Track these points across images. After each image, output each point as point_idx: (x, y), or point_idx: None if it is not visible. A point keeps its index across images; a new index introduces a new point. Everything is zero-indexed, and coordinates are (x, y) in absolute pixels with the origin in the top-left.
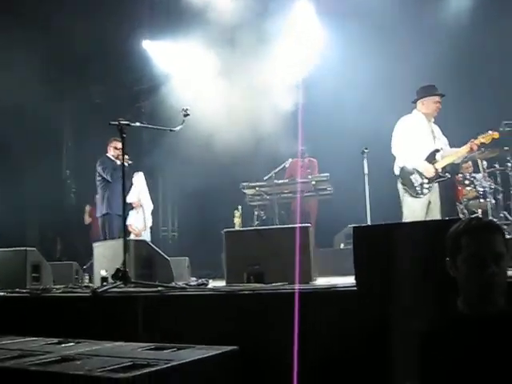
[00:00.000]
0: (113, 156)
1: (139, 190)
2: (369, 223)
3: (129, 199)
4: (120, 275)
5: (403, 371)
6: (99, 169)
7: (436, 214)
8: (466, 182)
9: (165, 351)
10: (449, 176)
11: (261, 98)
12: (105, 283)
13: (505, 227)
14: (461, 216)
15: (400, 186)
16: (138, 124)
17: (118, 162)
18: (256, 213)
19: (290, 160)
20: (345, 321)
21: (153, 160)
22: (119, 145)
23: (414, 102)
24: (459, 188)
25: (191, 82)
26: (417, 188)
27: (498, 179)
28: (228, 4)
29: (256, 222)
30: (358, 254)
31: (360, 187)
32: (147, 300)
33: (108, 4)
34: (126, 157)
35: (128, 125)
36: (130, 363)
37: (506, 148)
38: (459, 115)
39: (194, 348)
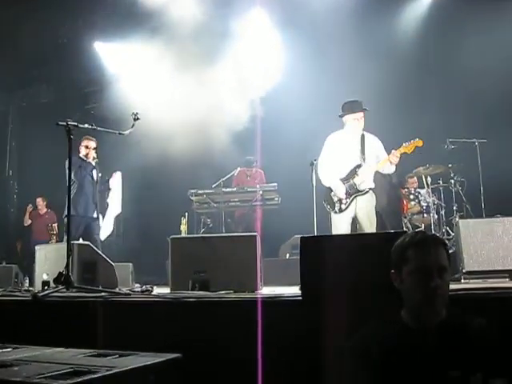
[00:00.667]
0: (83, 155)
1: (113, 190)
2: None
3: (109, 200)
4: (62, 279)
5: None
6: (66, 167)
7: (366, 229)
8: (411, 196)
9: (107, 358)
10: (367, 189)
11: (212, 106)
12: (46, 287)
13: (446, 242)
14: (405, 229)
15: (324, 203)
16: (86, 126)
17: (89, 161)
18: (203, 220)
19: (239, 169)
20: (287, 330)
21: (101, 163)
22: (91, 143)
23: (340, 117)
24: (404, 202)
25: (143, 85)
26: (336, 204)
27: (442, 195)
28: (183, 8)
29: (202, 230)
30: (303, 263)
31: (307, 198)
32: (90, 305)
33: (59, 3)
34: (94, 155)
35: (76, 126)
36: (70, 370)
37: (449, 165)
38: (406, 130)
39: (137, 355)
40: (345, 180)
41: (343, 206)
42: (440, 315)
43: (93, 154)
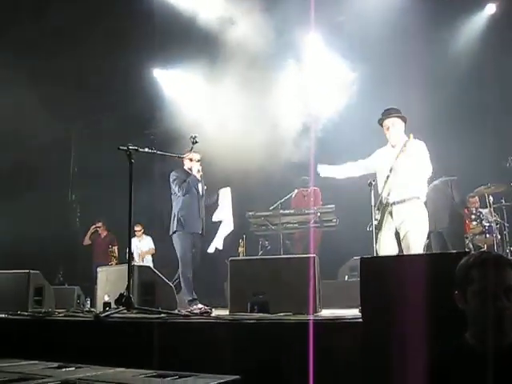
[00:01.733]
0: (188, 168)
1: (222, 206)
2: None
3: (215, 217)
4: (123, 300)
5: None
6: (171, 182)
7: (408, 244)
8: (473, 216)
9: (166, 379)
10: (397, 201)
11: (270, 129)
12: (107, 308)
13: None
14: (467, 250)
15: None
16: (146, 150)
17: (194, 174)
18: (261, 242)
19: (296, 191)
20: (351, 352)
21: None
22: (195, 156)
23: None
24: (467, 222)
25: (200, 109)
26: (372, 222)
27: (505, 214)
28: (239, 36)
29: (261, 252)
30: (364, 285)
31: (365, 219)
32: (150, 326)
33: (121, 35)
34: (199, 168)
35: (136, 150)
36: None
37: None
38: (468, 149)
39: (196, 376)
40: (379, 195)
41: (375, 222)
42: (508, 337)
43: (197, 166)
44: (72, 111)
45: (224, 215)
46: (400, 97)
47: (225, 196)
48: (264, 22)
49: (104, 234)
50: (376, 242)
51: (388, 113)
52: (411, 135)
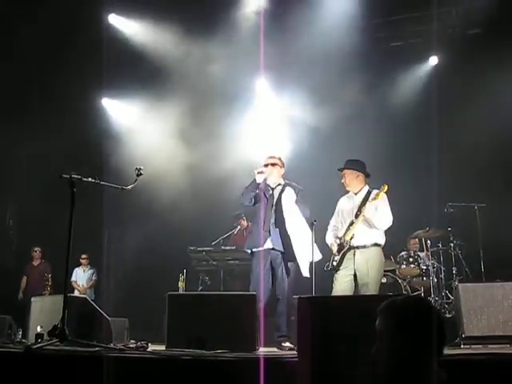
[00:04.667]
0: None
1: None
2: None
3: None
4: (57, 332)
5: None
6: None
7: (362, 287)
8: (411, 259)
9: None
10: (358, 245)
11: (216, 165)
12: (40, 340)
13: (446, 306)
14: (404, 293)
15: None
16: (90, 179)
17: (269, 184)
18: (201, 277)
19: (238, 227)
20: None
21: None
22: (272, 160)
23: None
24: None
25: (148, 141)
26: (330, 261)
27: (441, 258)
28: (190, 72)
29: (200, 287)
30: (300, 324)
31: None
32: (84, 360)
33: (67, 60)
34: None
35: (80, 179)
36: None
37: (449, 228)
38: (406, 194)
39: None
40: (341, 237)
41: (334, 263)
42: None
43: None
44: (17, 134)
45: None
46: (344, 142)
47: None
48: (214, 61)
49: (38, 261)
50: (333, 282)
51: (343, 165)
52: (386, 186)
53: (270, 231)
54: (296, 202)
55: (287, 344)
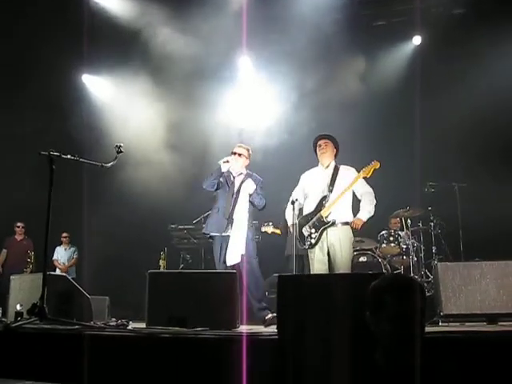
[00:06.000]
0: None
1: None
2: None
3: None
4: (36, 310)
5: None
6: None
7: (339, 265)
8: (391, 238)
9: None
10: (334, 221)
11: (199, 141)
12: (19, 318)
13: (425, 284)
14: (384, 271)
15: (297, 240)
16: (69, 156)
17: (231, 172)
18: (182, 256)
19: None
20: (264, 369)
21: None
22: (239, 150)
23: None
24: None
25: (129, 118)
26: (306, 239)
27: (421, 237)
28: (173, 48)
29: (181, 265)
30: (280, 302)
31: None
32: (64, 338)
33: (48, 35)
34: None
35: (59, 156)
36: None
37: (429, 208)
38: (386, 172)
39: None
40: (313, 213)
41: (313, 241)
42: (416, 358)
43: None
44: None
45: None
46: (325, 118)
47: None
48: (199, 38)
49: (20, 237)
50: (309, 262)
51: (323, 135)
52: (378, 163)
53: (229, 219)
54: (255, 191)
55: (270, 315)
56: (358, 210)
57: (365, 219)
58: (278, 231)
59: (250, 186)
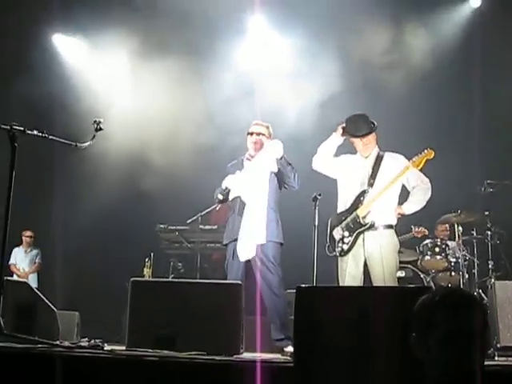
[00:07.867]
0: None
1: None
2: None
3: None
4: None
5: None
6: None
7: (378, 277)
8: (437, 249)
9: None
10: (372, 223)
11: (199, 113)
12: None
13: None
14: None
15: (326, 245)
16: (35, 132)
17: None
18: (172, 264)
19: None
20: None
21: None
22: (258, 129)
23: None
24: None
25: (110, 88)
26: (338, 244)
27: (475, 249)
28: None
29: (171, 275)
30: (299, 322)
31: (307, 240)
32: (22, 358)
33: None
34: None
35: (23, 132)
36: None
37: (486, 213)
38: (436, 169)
39: None
40: (348, 212)
41: (345, 246)
42: None
43: None
44: None
45: None
46: (360, 96)
47: None
48: None
49: None
50: (338, 269)
51: (366, 127)
52: (432, 152)
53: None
54: (283, 158)
55: (290, 349)
56: None
57: (408, 212)
58: None
59: (276, 149)
